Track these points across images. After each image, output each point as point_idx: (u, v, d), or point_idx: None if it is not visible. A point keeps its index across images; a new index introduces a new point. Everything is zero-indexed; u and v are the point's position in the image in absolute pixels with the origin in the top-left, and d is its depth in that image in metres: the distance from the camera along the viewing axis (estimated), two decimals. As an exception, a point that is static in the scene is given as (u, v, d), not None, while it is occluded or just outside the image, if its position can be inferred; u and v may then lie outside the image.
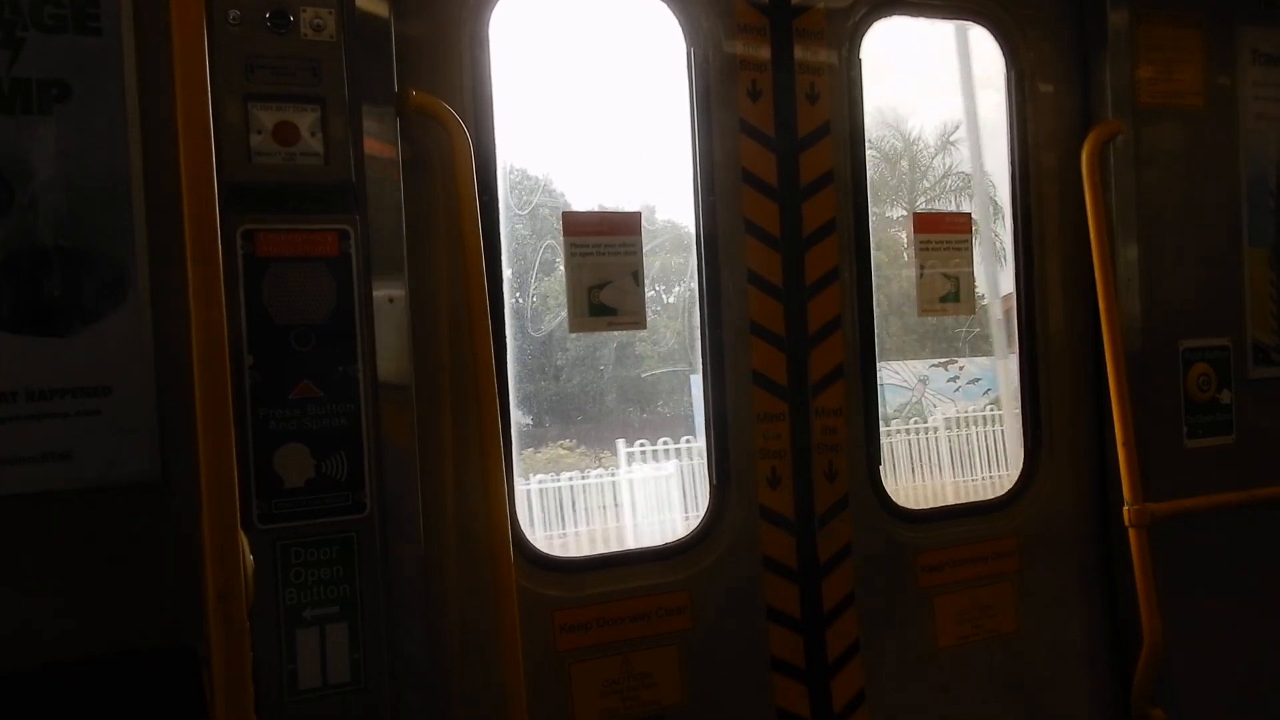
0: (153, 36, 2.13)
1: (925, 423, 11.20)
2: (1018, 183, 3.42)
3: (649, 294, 2.90)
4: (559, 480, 7.95)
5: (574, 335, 6.38)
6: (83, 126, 2.11)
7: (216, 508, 1.67)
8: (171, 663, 2.06)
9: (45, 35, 2.08)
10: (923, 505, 3.70)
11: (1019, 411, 3.52)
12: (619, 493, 8.14)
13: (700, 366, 3.02)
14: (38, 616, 2.06)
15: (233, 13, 2.19)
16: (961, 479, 10.87)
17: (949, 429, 11.15)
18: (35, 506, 2.06)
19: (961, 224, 3.36)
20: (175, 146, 1.71)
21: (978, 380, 11.34)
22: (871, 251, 3.19)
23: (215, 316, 1.70)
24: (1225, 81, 3.49)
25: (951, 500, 6.05)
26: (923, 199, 10.92)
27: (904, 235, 4.15)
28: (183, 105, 1.71)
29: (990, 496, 3.47)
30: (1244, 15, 3.53)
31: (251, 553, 1.94)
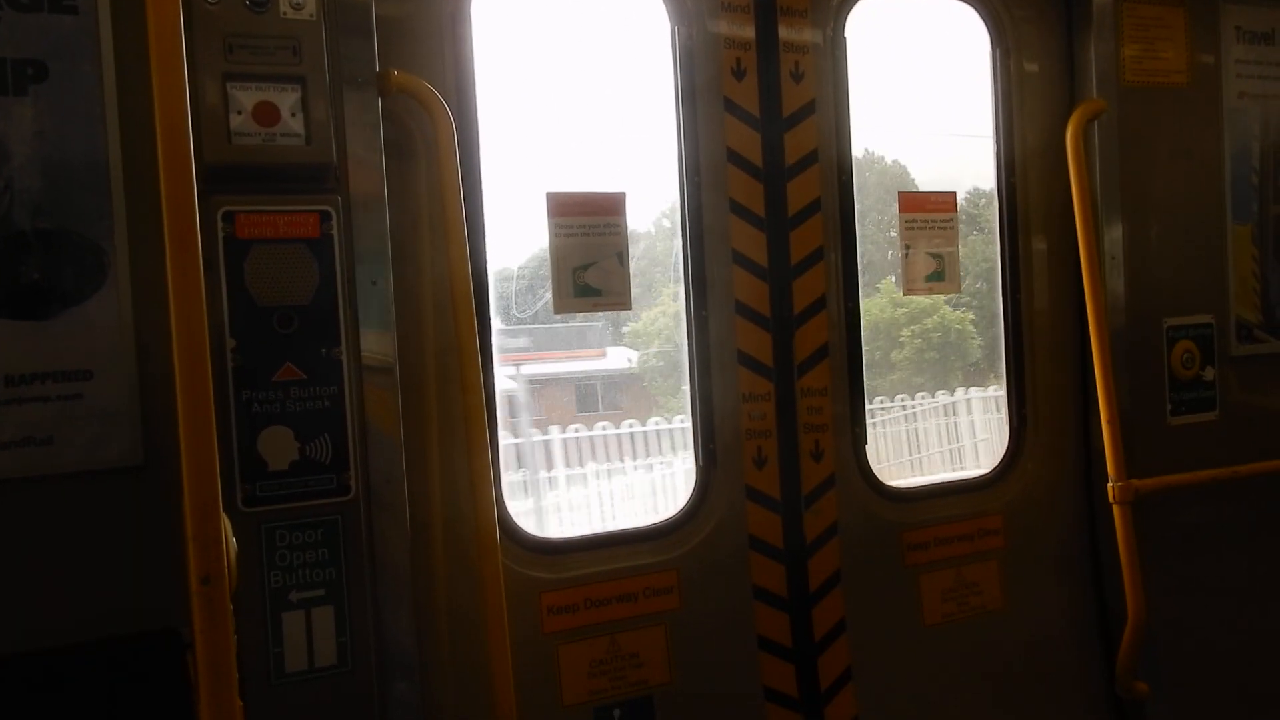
0: (129, 15, 2.10)
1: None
2: (1002, 161, 3.41)
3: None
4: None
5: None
6: (59, 107, 2.08)
7: (198, 492, 1.66)
8: (155, 647, 2.05)
9: (20, 14, 2.05)
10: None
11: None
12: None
13: (685, 347, 3.02)
14: (20, 601, 2.05)
15: None
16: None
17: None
18: (16, 492, 2.04)
19: (947, 203, 3.35)
20: (153, 127, 1.69)
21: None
22: (856, 231, 3.18)
23: (195, 299, 1.68)
24: (1209, 59, 3.49)
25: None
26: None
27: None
28: (160, 85, 1.69)
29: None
30: None
31: (235, 536, 1.93)
